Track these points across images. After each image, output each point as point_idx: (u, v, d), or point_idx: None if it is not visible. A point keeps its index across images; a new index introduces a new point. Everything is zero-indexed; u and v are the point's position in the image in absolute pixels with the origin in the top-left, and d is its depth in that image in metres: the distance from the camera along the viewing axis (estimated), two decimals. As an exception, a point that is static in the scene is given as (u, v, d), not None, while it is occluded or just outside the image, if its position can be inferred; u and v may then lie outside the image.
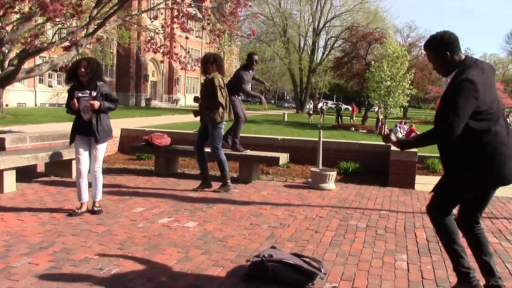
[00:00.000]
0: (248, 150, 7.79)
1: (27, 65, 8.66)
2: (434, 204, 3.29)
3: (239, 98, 7.72)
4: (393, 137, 3.29)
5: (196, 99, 6.80)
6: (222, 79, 6.51)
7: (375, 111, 29.75)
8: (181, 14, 8.83)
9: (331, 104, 64.58)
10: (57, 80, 40.06)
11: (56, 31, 10.38)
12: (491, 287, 3.20)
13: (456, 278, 3.30)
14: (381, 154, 8.51)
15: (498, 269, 3.86)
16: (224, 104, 6.46)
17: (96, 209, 5.16)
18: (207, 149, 6.80)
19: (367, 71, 25.07)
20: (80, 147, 5.14)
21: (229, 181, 6.73)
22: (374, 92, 21.85)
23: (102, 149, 5.19)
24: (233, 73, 8.11)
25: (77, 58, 8.46)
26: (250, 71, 7.69)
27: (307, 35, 49.48)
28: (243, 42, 50.97)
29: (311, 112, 36.51)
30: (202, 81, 6.76)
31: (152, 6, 10.34)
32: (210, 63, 6.46)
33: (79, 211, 5.06)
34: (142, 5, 36.91)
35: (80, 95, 5.08)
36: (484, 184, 3.15)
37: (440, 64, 3.21)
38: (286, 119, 33.62)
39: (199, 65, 8.05)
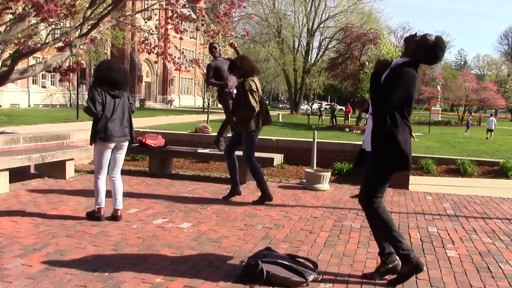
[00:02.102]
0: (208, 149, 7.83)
1: (20, 65, 8.62)
2: (365, 194, 3.56)
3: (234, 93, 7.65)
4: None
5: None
6: (254, 82, 6.02)
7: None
8: (175, 15, 8.81)
9: (326, 105, 64.72)
10: (51, 81, 39.95)
11: (49, 32, 10.34)
12: (387, 254, 3.60)
13: (402, 262, 3.52)
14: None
15: (492, 269, 3.91)
16: (257, 110, 5.94)
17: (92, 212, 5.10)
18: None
19: (361, 72, 25.14)
20: None
21: (268, 190, 6.14)
22: (369, 93, 21.93)
23: (94, 152, 5.11)
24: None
25: (71, 58, 8.45)
26: (220, 58, 7.68)
27: (301, 36, 49.54)
28: (238, 43, 50.75)
29: (310, 113, 36.47)
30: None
31: (146, 6, 10.32)
32: (238, 68, 6.03)
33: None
34: (136, 5, 36.83)
35: None
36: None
37: None
38: (280, 120, 33.64)
39: (193, 65, 8.04)
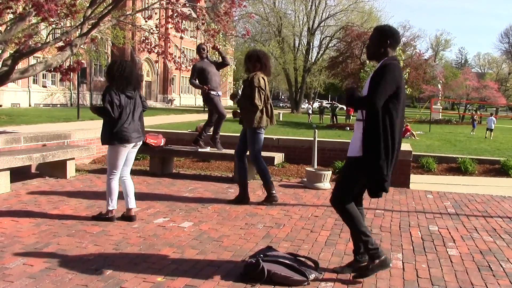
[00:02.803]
0: (223, 149, 7.84)
1: (21, 65, 8.61)
2: (337, 194, 3.60)
3: (219, 94, 7.65)
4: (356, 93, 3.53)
5: (232, 96, 6.28)
6: (264, 79, 5.87)
7: None
8: (175, 14, 8.81)
9: (326, 103, 64.70)
10: (51, 80, 39.95)
11: (50, 31, 10.33)
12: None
13: (368, 257, 3.59)
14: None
15: (493, 268, 3.91)
16: (262, 107, 5.84)
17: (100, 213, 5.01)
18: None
19: (361, 70, 25.11)
20: None
21: (273, 191, 6.02)
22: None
23: (108, 153, 4.98)
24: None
25: (71, 58, 8.44)
26: (206, 60, 7.62)
27: (301, 35, 49.52)
28: (238, 42, 50.88)
29: (310, 112, 36.39)
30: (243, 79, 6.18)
31: (146, 6, 10.32)
32: (254, 61, 5.87)
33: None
34: (137, 5, 36.86)
35: None
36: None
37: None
38: (281, 119, 33.63)
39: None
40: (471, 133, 25.55)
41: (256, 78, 5.76)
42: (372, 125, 3.36)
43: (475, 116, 31.12)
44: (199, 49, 7.66)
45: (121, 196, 4.97)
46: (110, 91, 4.72)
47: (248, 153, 6.11)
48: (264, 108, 5.88)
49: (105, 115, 4.73)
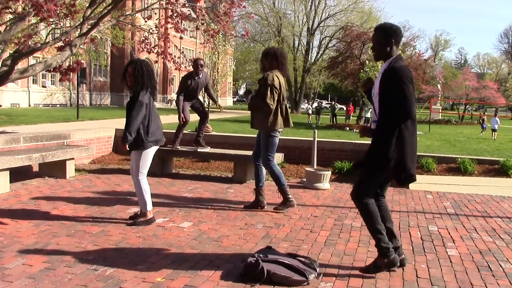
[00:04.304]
0: (209, 148, 7.99)
1: (20, 65, 8.61)
2: (357, 189, 3.68)
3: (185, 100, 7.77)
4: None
5: (247, 93, 5.98)
6: (279, 79, 5.50)
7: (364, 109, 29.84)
8: (175, 14, 8.82)
9: (326, 104, 64.61)
10: (51, 80, 39.92)
11: (49, 31, 10.33)
12: (394, 248, 3.70)
13: (378, 254, 3.66)
14: (376, 154, 8.51)
15: (492, 268, 3.91)
16: (276, 109, 5.49)
17: (134, 220, 4.87)
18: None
19: (361, 70, 25.08)
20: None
21: (289, 195, 5.66)
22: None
23: (135, 157, 4.86)
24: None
25: (71, 58, 8.44)
26: (197, 78, 7.56)
27: (301, 35, 49.47)
28: (238, 42, 50.76)
29: (310, 112, 36.36)
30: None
31: (146, 6, 10.31)
32: (270, 58, 5.57)
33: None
34: (136, 5, 36.83)
35: None
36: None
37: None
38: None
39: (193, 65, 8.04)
40: (481, 133, 25.47)
41: (271, 76, 5.44)
42: (391, 128, 3.48)
43: (484, 117, 30.88)
44: (199, 65, 7.55)
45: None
46: (145, 94, 4.71)
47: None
48: (278, 110, 5.53)
49: (141, 118, 4.70)
